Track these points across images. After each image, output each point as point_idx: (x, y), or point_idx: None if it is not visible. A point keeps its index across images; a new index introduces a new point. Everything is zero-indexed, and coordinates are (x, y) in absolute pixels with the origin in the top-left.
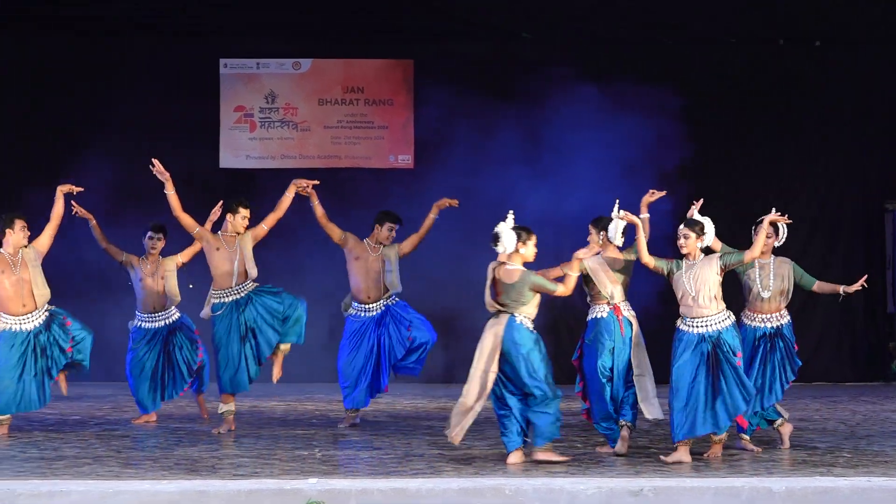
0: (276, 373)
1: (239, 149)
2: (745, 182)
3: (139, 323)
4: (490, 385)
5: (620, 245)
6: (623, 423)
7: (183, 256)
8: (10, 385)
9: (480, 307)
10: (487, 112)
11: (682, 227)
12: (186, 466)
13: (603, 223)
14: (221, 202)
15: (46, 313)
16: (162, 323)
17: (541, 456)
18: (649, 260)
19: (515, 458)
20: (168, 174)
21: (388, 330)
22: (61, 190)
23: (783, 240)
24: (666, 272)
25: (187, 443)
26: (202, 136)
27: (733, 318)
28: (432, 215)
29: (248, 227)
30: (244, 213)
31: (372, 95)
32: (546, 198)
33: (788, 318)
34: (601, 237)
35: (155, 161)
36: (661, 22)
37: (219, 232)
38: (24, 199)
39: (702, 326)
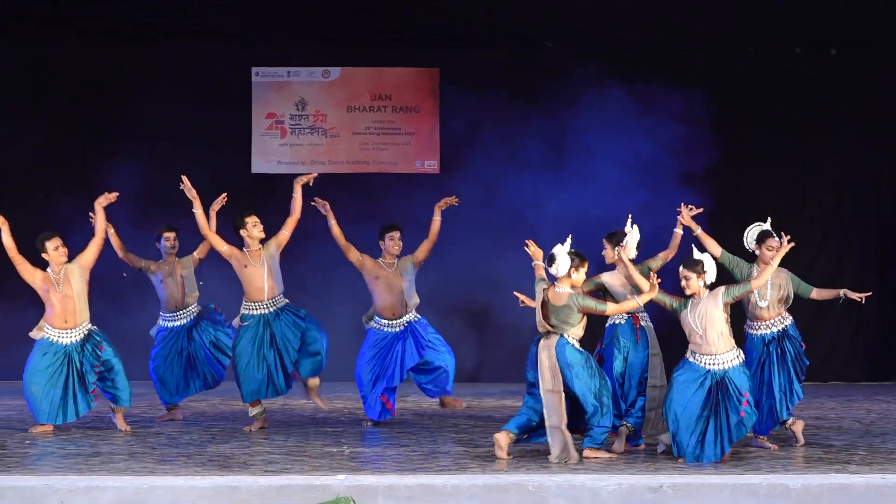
0: (322, 405)
1: (270, 154)
2: (759, 185)
3: (164, 323)
4: (563, 400)
5: (634, 258)
6: (625, 423)
7: (199, 253)
8: (38, 390)
9: (506, 307)
10: (511, 118)
11: (682, 268)
12: (219, 463)
13: (617, 238)
14: (224, 195)
15: (85, 332)
16: (185, 320)
17: (589, 454)
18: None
19: (505, 437)
20: (195, 192)
21: (404, 343)
22: (99, 203)
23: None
24: (669, 308)
25: (220, 440)
26: (234, 142)
27: (742, 356)
28: (436, 218)
29: (267, 236)
30: (252, 220)
31: (399, 103)
32: (570, 201)
33: (791, 318)
34: (616, 252)
35: (184, 178)
36: (681, 27)
37: (244, 249)
38: (52, 204)
39: (710, 364)
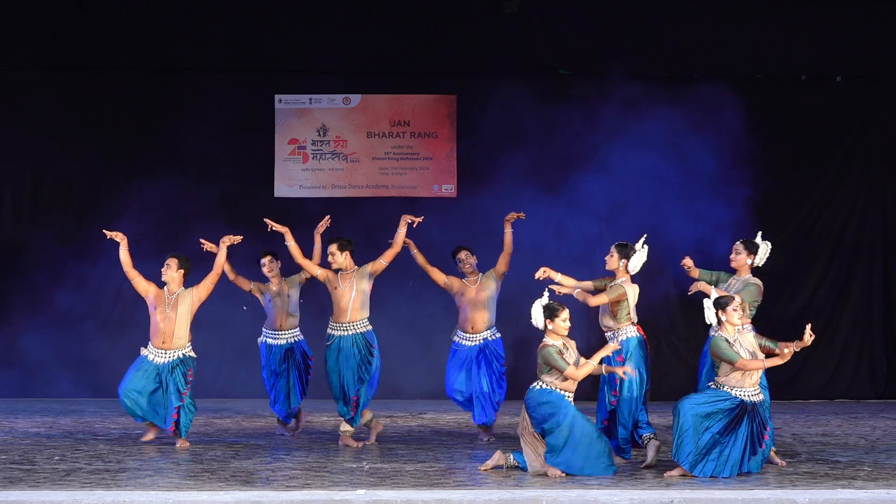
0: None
1: (292, 179)
2: (773, 208)
3: (265, 339)
4: (536, 442)
5: (634, 274)
6: (649, 435)
7: (306, 273)
8: (133, 401)
9: (521, 328)
10: (525, 143)
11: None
12: (242, 478)
13: (627, 251)
14: (328, 217)
15: (179, 356)
16: (284, 341)
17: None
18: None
19: (503, 457)
20: (287, 228)
21: (479, 364)
22: (223, 243)
23: (763, 261)
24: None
25: (243, 456)
26: (258, 166)
27: (763, 395)
28: (508, 230)
29: (358, 263)
30: (330, 249)
31: (417, 128)
32: (586, 225)
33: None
34: (622, 264)
35: (267, 220)
36: (698, 55)
37: (338, 272)
38: (83, 230)
39: (742, 395)
